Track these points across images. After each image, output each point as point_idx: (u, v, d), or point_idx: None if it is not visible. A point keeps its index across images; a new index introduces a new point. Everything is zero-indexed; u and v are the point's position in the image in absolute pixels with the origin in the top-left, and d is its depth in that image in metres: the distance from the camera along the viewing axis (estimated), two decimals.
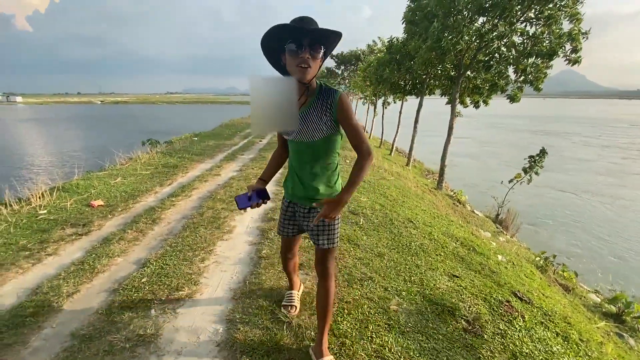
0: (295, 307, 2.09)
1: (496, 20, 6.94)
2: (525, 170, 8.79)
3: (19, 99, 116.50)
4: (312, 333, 1.89)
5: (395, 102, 15.71)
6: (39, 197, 4.12)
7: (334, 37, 1.31)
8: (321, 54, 1.32)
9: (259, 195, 1.56)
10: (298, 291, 2.22)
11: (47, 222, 3.52)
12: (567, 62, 6.83)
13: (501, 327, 2.13)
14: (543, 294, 3.04)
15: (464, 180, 12.63)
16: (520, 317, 2.29)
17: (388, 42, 11.48)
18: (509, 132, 31.33)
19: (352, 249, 3.01)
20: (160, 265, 2.62)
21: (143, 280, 2.42)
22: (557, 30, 6.46)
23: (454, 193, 9.40)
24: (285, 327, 1.93)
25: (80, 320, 2.02)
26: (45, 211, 3.80)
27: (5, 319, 2.02)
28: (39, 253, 2.85)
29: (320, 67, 1.36)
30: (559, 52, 6.40)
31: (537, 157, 8.67)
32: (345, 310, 2.10)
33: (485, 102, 9.25)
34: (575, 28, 6.33)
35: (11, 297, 2.26)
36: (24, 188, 4.48)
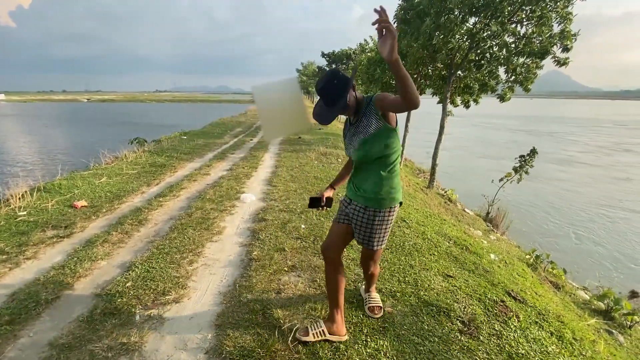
0: None
1: (487, 20, 6.97)
2: (515, 170, 8.89)
3: (1, 96, 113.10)
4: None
5: None
6: (19, 198, 3.95)
7: (338, 93, 1.53)
8: (343, 97, 1.53)
9: (328, 202, 1.90)
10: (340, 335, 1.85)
11: (26, 224, 3.36)
12: (555, 63, 6.91)
13: (496, 328, 2.10)
14: (536, 293, 3.04)
15: (454, 179, 12.74)
16: (515, 317, 2.27)
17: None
18: (500, 132, 31.80)
19: (345, 250, 2.95)
20: (146, 268, 2.52)
21: (128, 284, 2.31)
22: (548, 31, 6.52)
23: (445, 192, 9.45)
24: (276, 332, 1.86)
25: (59, 328, 1.91)
26: (24, 212, 3.63)
27: None
28: (17, 257, 2.71)
29: (349, 94, 1.55)
30: (550, 52, 6.46)
31: (527, 157, 8.78)
32: None
33: (476, 101, 9.32)
34: (567, 27, 6.40)
35: None
36: (3, 188, 4.30)
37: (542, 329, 2.25)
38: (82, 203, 3.94)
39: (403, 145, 11.44)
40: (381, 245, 1.77)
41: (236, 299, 2.18)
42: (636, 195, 11.69)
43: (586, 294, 4.74)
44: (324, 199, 1.88)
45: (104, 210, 3.82)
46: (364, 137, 1.60)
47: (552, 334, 2.23)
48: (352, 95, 1.59)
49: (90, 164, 6.39)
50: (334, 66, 28.15)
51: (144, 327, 1.92)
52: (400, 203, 1.75)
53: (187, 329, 1.92)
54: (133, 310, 2.06)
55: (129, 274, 2.43)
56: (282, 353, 1.72)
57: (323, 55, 27.75)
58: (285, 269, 2.59)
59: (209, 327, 1.93)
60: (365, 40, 19.44)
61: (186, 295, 2.23)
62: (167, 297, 2.19)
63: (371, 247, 1.76)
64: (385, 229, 1.73)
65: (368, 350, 1.77)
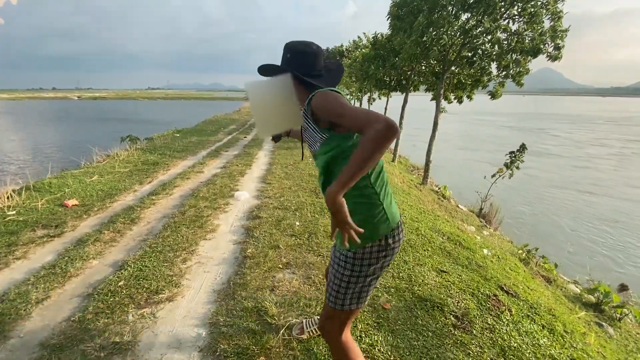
0: None
1: (480, 17, 7.00)
2: (506, 165, 8.99)
3: None
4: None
5: (380, 99, 15.76)
6: (8, 198, 3.87)
7: (276, 69, 1.27)
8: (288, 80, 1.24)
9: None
10: None
11: (15, 224, 3.30)
12: (547, 58, 6.96)
13: (489, 322, 2.13)
14: (528, 287, 3.08)
15: (448, 175, 12.87)
16: (507, 311, 2.29)
17: (373, 37, 11.45)
18: (489, 128, 32.11)
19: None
20: (139, 267, 2.49)
21: (120, 283, 2.29)
22: (539, 28, 6.57)
23: (439, 188, 9.51)
24: (271, 329, 1.85)
25: (50, 328, 1.89)
26: (14, 212, 3.57)
27: None
28: (6, 257, 2.66)
29: (296, 87, 1.24)
30: (542, 49, 6.51)
31: (518, 153, 8.88)
32: None
33: (470, 97, 9.38)
34: (558, 25, 6.46)
35: None
36: None
37: (534, 322, 2.28)
38: (73, 202, 3.88)
39: (397, 142, 11.47)
40: (334, 303, 1.18)
41: (230, 297, 2.17)
42: (586, 179, 13.46)
43: (577, 287, 4.82)
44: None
45: (96, 209, 3.77)
46: (314, 152, 1.20)
47: (543, 327, 2.26)
48: (295, 87, 1.24)
49: (81, 163, 6.29)
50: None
51: (137, 326, 1.90)
52: (386, 238, 1.14)
53: (181, 328, 1.90)
54: (126, 309, 2.04)
55: (122, 273, 2.41)
56: (277, 350, 1.71)
57: None
58: (280, 266, 2.58)
59: (203, 325, 1.92)
60: (358, 37, 19.40)
61: (180, 294, 2.21)
62: (160, 296, 2.17)
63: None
64: (345, 278, 1.16)
65: (362, 346, 1.78)
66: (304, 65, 1.24)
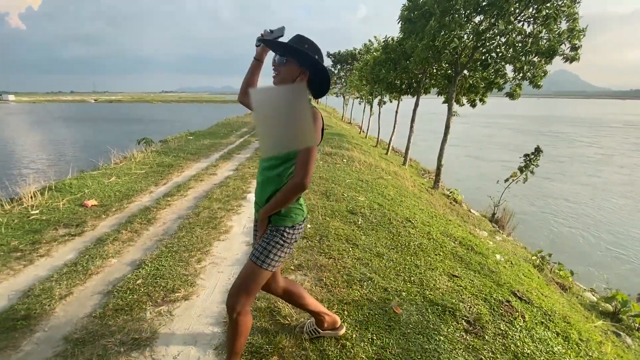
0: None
1: (493, 19, 6.95)
2: (520, 169, 8.83)
3: (11, 97, 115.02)
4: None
5: (391, 102, 15.72)
6: (31, 197, 4.03)
7: (298, 52, 1.34)
8: (291, 65, 1.35)
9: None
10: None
11: (39, 223, 3.44)
12: (564, 60, 6.86)
13: (502, 328, 2.12)
14: (542, 294, 3.04)
15: (460, 180, 12.74)
16: (520, 317, 2.27)
17: (384, 41, 11.46)
18: (505, 132, 31.67)
19: (350, 249, 2.98)
20: (156, 266, 2.57)
21: (138, 281, 2.37)
22: (555, 29, 6.48)
23: (450, 192, 9.42)
24: (284, 329, 1.89)
25: (73, 323, 1.97)
26: (37, 211, 3.72)
27: None
28: (31, 254, 2.78)
29: (296, 78, 1.36)
30: (558, 51, 6.42)
31: (532, 156, 8.72)
32: (346, 312, 2.07)
33: (482, 101, 9.28)
34: (575, 26, 6.36)
35: (2, 300, 2.19)
36: (16, 187, 4.39)
37: (548, 329, 2.26)
38: (92, 202, 4.01)
39: (407, 147, 11.42)
40: (262, 262, 1.40)
41: None
42: (608, 184, 13.47)
43: (594, 295, 4.71)
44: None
45: (114, 209, 3.89)
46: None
47: (558, 334, 2.24)
48: (290, 71, 1.36)
49: (99, 164, 6.49)
50: (339, 66, 28.16)
51: (154, 323, 1.97)
52: (303, 221, 1.49)
53: (197, 326, 1.96)
54: (144, 306, 2.11)
55: (139, 272, 2.49)
56: (290, 350, 1.75)
57: (328, 55, 27.78)
58: (292, 267, 2.62)
59: (217, 324, 1.97)
60: (369, 40, 19.46)
61: (195, 293, 2.27)
62: (176, 295, 2.24)
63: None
64: (278, 245, 1.43)
65: (374, 348, 1.80)
66: (314, 66, 1.38)
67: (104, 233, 3.23)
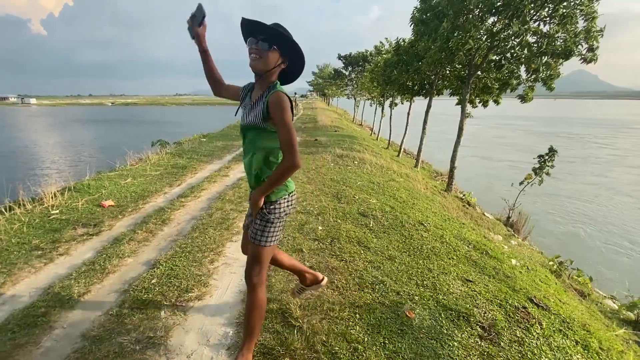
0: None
1: (507, 20, 6.83)
2: (535, 171, 8.61)
3: (33, 100, 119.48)
4: (324, 337, 1.85)
5: (402, 103, 15.60)
6: (51, 197, 4.17)
7: (285, 40, 1.46)
8: (271, 50, 1.44)
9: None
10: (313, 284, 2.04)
11: (59, 222, 3.55)
12: (581, 60, 6.68)
13: (518, 335, 2.07)
14: (560, 300, 2.95)
15: (468, 179, 12.58)
16: (537, 324, 2.22)
17: (395, 43, 11.40)
18: (519, 134, 31.06)
19: (362, 252, 2.97)
20: (170, 266, 2.62)
21: (153, 281, 2.41)
22: (572, 29, 6.32)
23: (464, 195, 9.27)
24: (296, 331, 1.89)
25: (90, 320, 2.02)
26: (57, 211, 3.83)
27: (18, 318, 2.03)
28: (51, 253, 2.87)
29: (276, 65, 1.48)
30: (574, 51, 6.25)
31: (547, 157, 8.48)
32: (357, 315, 2.06)
33: (496, 102, 9.11)
34: (592, 26, 6.19)
35: (24, 297, 2.27)
36: (37, 188, 4.55)
37: (567, 337, 2.19)
38: (109, 202, 4.12)
39: (420, 147, 11.31)
40: (259, 241, 1.55)
41: None
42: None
43: (614, 303, 4.55)
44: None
45: (130, 209, 3.98)
46: (246, 122, 1.53)
47: (577, 342, 2.17)
48: (274, 58, 1.46)
49: (116, 165, 6.66)
50: (350, 68, 28.12)
51: (169, 322, 2.00)
52: (289, 195, 1.61)
53: (210, 325, 1.98)
54: (158, 306, 2.15)
55: (154, 271, 2.54)
56: (302, 352, 1.75)
57: (339, 57, 27.78)
58: None
59: (230, 324, 1.99)
60: (380, 42, 19.37)
61: (208, 293, 2.30)
62: (190, 294, 2.27)
63: None
64: (270, 221, 1.57)
65: (386, 352, 1.78)
66: (293, 55, 1.52)
67: (120, 233, 3.30)
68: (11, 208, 3.88)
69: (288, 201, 1.59)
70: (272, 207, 1.54)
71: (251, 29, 1.46)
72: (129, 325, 1.97)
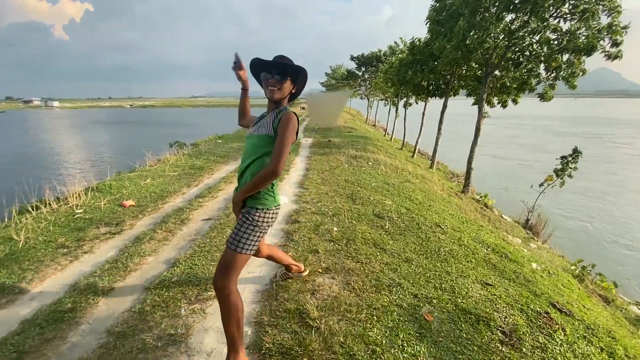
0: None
1: (526, 17, 6.66)
2: (556, 173, 8.35)
3: (55, 103, 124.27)
4: (342, 338, 1.85)
5: (417, 103, 15.42)
6: (76, 197, 4.32)
7: (297, 71, 1.67)
8: (288, 82, 1.67)
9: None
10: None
11: (83, 221, 3.67)
12: (605, 57, 6.44)
13: (541, 340, 2.01)
14: (583, 306, 2.86)
15: (477, 178, 12.36)
16: (560, 330, 2.15)
17: (410, 43, 11.29)
18: (537, 134, 30.23)
19: (378, 254, 2.95)
20: (189, 265, 2.67)
21: (173, 279, 2.47)
22: (595, 25, 6.11)
23: (481, 197, 9.09)
24: (313, 331, 1.90)
25: (114, 317, 2.08)
26: (81, 210, 3.97)
27: (46, 313, 2.11)
28: (76, 251, 2.98)
29: (290, 94, 1.72)
30: (597, 47, 6.04)
31: (570, 158, 8.22)
32: (375, 317, 2.05)
33: (515, 101, 8.90)
34: (616, 21, 5.97)
35: (51, 293, 2.36)
36: (62, 187, 4.72)
37: (591, 344, 2.12)
38: (130, 202, 4.24)
39: (435, 148, 11.15)
40: (237, 247, 1.60)
41: (273, 298, 2.25)
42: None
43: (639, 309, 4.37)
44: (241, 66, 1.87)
45: (150, 209, 4.09)
46: (256, 133, 1.69)
47: (602, 349, 2.10)
48: (289, 87, 1.69)
49: (135, 166, 6.85)
50: (363, 69, 28.01)
51: (189, 320, 2.04)
52: (276, 208, 1.72)
53: None
54: (179, 304, 2.19)
55: (174, 270, 2.59)
56: (320, 353, 1.75)
57: (352, 58, 27.69)
58: (320, 270, 2.63)
59: (248, 324, 2.01)
60: (395, 42, 19.21)
61: None
62: (209, 293, 2.31)
63: None
64: (250, 230, 1.64)
65: (405, 355, 1.77)
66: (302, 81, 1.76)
67: (141, 232, 3.39)
68: (38, 207, 4.04)
69: (273, 213, 1.69)
70: (256, 214, 1.62)
71: (263, 66, 1.68)
72: (150, 322, 2.02)
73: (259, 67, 1.70)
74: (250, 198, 1.64)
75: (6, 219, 3.76)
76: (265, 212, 1.64)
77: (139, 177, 5.58)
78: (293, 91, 1.74)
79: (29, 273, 2.59)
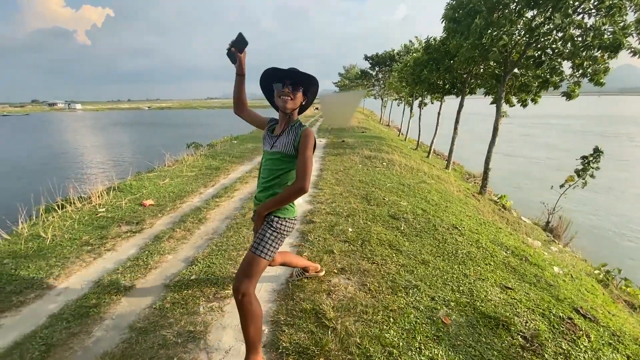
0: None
1: (548, 13, 6.46)
2: (577, 173, 8.07)
3: (78, 106, 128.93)
4: (358, 339, 1.85)
5: (432, 103, 15.20)
6: (98, 196, 4.47)
7: (309, 80, 1.69)
8: (300, 92, 1.70)
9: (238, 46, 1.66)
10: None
11: (105, 220, 3.80)
12: (632, 54, 6.18)
13: (564, 347, 1.95)
14: (609, 312, 2.76)
15: (507, 184, 12.03)
16: (585, 337, 2.08)
17: (425, 41, 11.14)
18: (554, 133, 29.30)
19: (394, 255, 2.93)
20: (207, 264, 2.72)
21: (192, 277, 2.52)
22: (621, 21, 5.87)
23: (498, 198, 8.87)
24: (330, 332, 1.91)
25: (136, 313, 2.15)
26: (103, 209, 4.11)
27: (72, 308, 2.20)
28: (99, 248, 3.08)
29: (301, 104, 1.75)
30: (623, 44, 5.80)
31: (591, 158, 7.92)
32: (391, 319, 2.04)
33: (535, 101, 8.65)
34: None
35: (76, 288, 2.46)
36: (85, 186, 4.90)
37: (617, 351, 2.05)
38: (149, 202, 4.35)
39: (451, 148, 10.97)
40: (262, 252, 1.64)
41: (289, 298, 2.27)
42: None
43: None
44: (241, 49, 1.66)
45: (168, 208, 4.19)
46: (275, 149, 1.71)
47: (628, 358, 2.02)
48: (300, 98, 1.71)
49: (154, 166, 7.03)
50: (377, 68, 27.83)
51: (207, 317, 2.08)
52: (295, 218, 1.77)
53: None
54: (197, 301, 2.24)
55: (193, 268, 2.65)
56: (336, 353, 1.76)
57: (366, 58, 27.55)
58: (335, 271, 2.63)
59: (265, 323, 2.04)
60: (410, 41, 19.00)
61: None
62: (226, 292, 2.35)
63: None
64: (273, 236, 1.69)
65: (422, 358, 1.75)
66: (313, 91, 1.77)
67: (160, 231, 3.48)
68: (63, 206, 4.21)
69: (293, 222, 1.75)
70: (281, 222, 1.68)
71: (275, 76, 1.70)
72: (170, 319, 2.07)
73: (270, 77, 1.73)
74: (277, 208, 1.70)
75: (34, 217, 3.94)
76: (287, 221, 1.71)
77: (157, 177, 5.72)
78: (303, 103, 1.76)
79: (55, 269, 2.70)
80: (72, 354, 1.82)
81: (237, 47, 1.64)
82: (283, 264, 2.24)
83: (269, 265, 2.01)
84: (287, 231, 1.71)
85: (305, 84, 1.71)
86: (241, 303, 1.55)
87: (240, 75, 1.75)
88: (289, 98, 1.67)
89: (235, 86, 1.81)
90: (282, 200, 1.62)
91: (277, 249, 1.69)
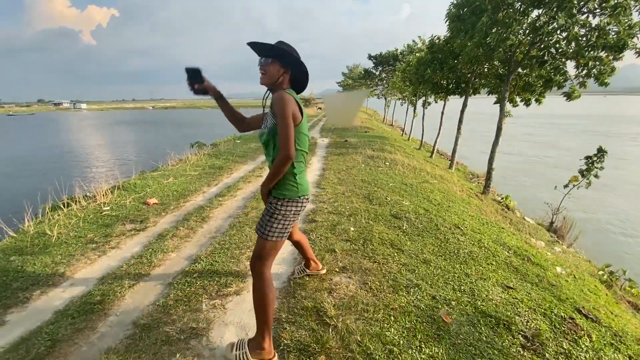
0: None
1: (553, 12, 6.42)
2: (582, 173, 8.01)
3: (83, 105, 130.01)
4: (359, 337, 1.86)
5: (436, 102, 15.15)
6: (103, 195, 4.52)
7: (277, 51, 1.60)
8: (272, 63, 1.60)
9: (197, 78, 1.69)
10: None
11: (110, 218, 3.84)
12: (637, 54, 6.14)
13: (565, 347, 1.95)
14: (611, 312, 2.75)
15: (510, 184, 11.97)
16: (586, 337, 2.08)
17: (429, 41, 11.11)
18: (555, 133, 29.10)
19: (395, 254, 2.94)
20: (210, 262, 2.75)
21: (195, 275, 2.55)
22: (626, 20, 5.82)
23: (502, 198, 8.84)
24: (330, 329, 1.92)
25: (140, 310, 2.18)
26: (108, 208, 4.15)
27: (77, 305, 2.23)
28: (104, 246, 3.12)
29: (280, 75, 1.63)
30: (628, 44, 5.76)
31: (595, 158, 7.86)
32: (392, 318, 2.05)
33: (539, 101, 8.60)
34: None
35: (81, 285, 2.49)
36: (90, 185, 4.95)
37: (619, 351, 2.04)
38: (153, 200, 4.39)
39: (454, 148, 10.93)
40: (264, 234, 1.66)
41: (291, 295, 2.29)
42: None
43: None
44: (203, 80, 1.69)
45: (172, 207, 4.22)
46: (263, 128, 1.72)
47: (630, 358, 2.02)
48: (275, 70, 1.61)
49: (158, 165, 7.08)
50: (380, 68, 27.79)
51: (209, 315, 2.11)
52: (299, 199, 1.69)
53: (248, 320, 2.06)
54: (200, 299, 2.27)
55: (195, 266, 2.68)
56: (337, 351, 1.77)
57: (370, 57, 27.52)
58: (337, 269, 2.65)
59: None
60: (413, 40, 18.95)
61: (245, 289, 2.39)
62: (228, 289, 2.37)
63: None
64: (274, 217, 1.67)
65: (422, 356, 1.76)
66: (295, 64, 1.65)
67: (164, 229, 3.51)
68: (69, 204, 4.25)
69: (298, 203, 1.68)
70: (278, 203, 1.64)
71: (256, 51, 1.65)
72: (173, 316, 2.10)
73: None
74: (274, 188, 1.66)
75: (40, 215, 3.99)
76: (287, 202, 1.65)
77: (161, 176, 5.77)
78: (286, 75, 1.64)
79: (61, 266, 2.74)
80: (77, 349, 1.85)
81: (196, 80, 1.67)
82: (297, 244, 2.27)
83: (288, 239, 2.11)
84: (291, 212, 1.66)
85: (276, 55, 1.60)
86: (256, 280, 1.64)
87: (219, 99, 1.79)
88: (263, 72, 1.62)
89: (222, 110, 1.87)
90: (273, 175, 1.58)
91: (283, 231, 1.66)
